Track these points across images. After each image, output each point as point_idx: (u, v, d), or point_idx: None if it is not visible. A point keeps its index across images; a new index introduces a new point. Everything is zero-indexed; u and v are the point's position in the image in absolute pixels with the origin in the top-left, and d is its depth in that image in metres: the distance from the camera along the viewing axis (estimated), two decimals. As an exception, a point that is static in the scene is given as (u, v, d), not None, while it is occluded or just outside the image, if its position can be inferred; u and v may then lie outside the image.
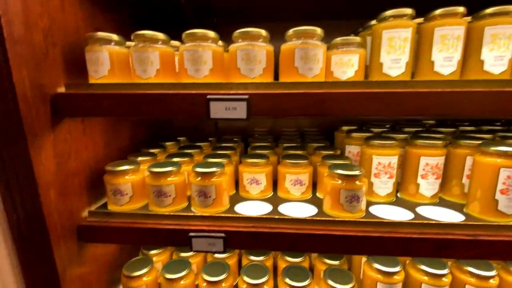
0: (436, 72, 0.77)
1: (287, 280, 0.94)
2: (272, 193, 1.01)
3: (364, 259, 1.00)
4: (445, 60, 0.76)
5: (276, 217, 0.81)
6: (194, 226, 0.81)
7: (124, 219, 0.85)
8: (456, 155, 0.91)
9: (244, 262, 1.10)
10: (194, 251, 0.83)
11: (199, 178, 0.85)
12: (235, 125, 1.57)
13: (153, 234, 0.83)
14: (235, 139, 1.34)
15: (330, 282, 0.92)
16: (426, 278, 0.88)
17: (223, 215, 0.82)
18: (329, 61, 0.83)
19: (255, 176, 0.96)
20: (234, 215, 0.83)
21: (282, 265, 1.08)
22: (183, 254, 1.11)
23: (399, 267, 0.89)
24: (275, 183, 1.02)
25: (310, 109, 0.68)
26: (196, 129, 1.56)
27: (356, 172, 0.80)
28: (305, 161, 0.95)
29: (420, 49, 0.79)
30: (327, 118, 1.51)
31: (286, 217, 0.81)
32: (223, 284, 0.95)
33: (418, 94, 0.66)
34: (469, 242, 0.73)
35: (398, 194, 0.98)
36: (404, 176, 0.94)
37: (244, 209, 0.88)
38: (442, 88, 0.66)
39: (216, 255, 1.10)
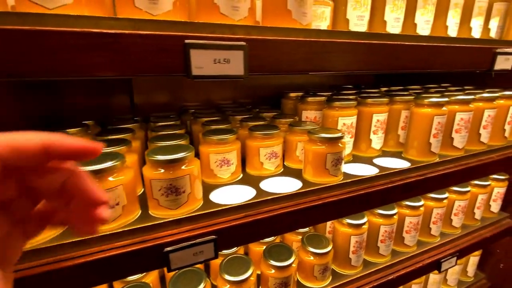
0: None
1: (272, 262, 0.85)
2: (242, 173, 0.86)
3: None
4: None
5: (274, 197, 0.68)
6: (170, 237, 0.57)
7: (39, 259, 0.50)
8: (394, 110, 1.04)
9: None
10: (174, 270, 0.60)
11: (163, 170, 0.59)
12: (157, 99, 1.24)
13: (97, 269, 0.53)
14: (171, 116, 1.05)
15: (311, 249, 0.91)
16: (381, 220, 1.01)
17: (211, 210, 0.62)
18: (303, 13, 0.72)
19: (226, 156, 0.78)
20: (226, 206, 0.64)
21: (255, 248, 0.98)
22: (132, 278, 0.81)
23: (365, 218, 0.97)
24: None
25: (315, 61, 0.57)
26: (105, 109, 1.13)
27: (339, 135, 0.78)
28: (277, 131, 0.84)
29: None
30: (261, 88, 1.43)
31: (278, 195, 0.70)
32: (202, 294, 0.77)
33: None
34: (422, 181, 0.87)
35: (353, 152, 1.05)
36: (359, 134, 1.01)
37: (223, 197, 0.70)
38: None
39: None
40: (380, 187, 0.81)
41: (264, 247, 0.92)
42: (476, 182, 1.22)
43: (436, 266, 1.10)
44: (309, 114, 1.04)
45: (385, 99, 0.98)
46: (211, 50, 0.47)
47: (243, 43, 0.49)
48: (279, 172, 0.88)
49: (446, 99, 0.92)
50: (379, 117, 0.97)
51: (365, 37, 0.66)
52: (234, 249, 1.00)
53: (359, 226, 0.95)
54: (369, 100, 0.97)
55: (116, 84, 1.14)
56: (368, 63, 0.64)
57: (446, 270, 1.19)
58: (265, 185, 0.78)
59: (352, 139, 0.96)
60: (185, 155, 0.61)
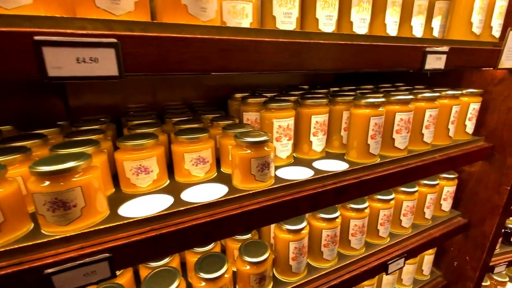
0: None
1: (201, 275, 0.80)
2: (169, 180, 0.81)
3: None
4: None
5: (181, 208, 0.63)
6: (52, 258, 0.51)
7: None
8: (335, 111, 1.02)
9: (144, 272, 0.87)
10: (61, 293, 0.54)
11: (48, 182, 0.53)
12: (99, 102, 1.16)
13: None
14: (102, 119, 0.98)
15: (247, 259, 0.87)
16: (324, 224, 0.98)
17: (100, 227, 0.56)
18: (220, 10, 0.68)
19: (143, 162, 0.72)
20: (119, 223, 0.58)
21: (191, 259, 0.93)
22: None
23: (305, 222, 0.94)
24: (169, 167, 0.82)
25: (213, 60, 0.52)
26: (35, 113, 1.04)
27: (264, 138, 0.74)
28: (205, 134, 0.80)
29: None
30: (216, 88, 1.38)
31: (194, 205, 0.65)
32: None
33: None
34: (357, 184, 0.85)
35: (294, 154, 1.01)
36: (299, 136, 0.98)
37: (134, 209, 0.65)
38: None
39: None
40: (311, 191, 0.77)
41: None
42: (425, 181, 1.22)
43: (383, 268, 1.09)
44: (250, 116, 1.00)
45: (324, 100, 0.95)
46: (72, 48, 0.41)
47: (113, 40, 0.43)
48: (211, 178, 0.83)
49: (382, 99, 0.90)
50: (318, 119, 0.94)
51: (279, 35, 0.62)
52: (211, 245, 0.99)
53: (297, 231, 0.91)
54: (308, 102, 0.94)
55: (48, 87, 1.06)
56: (276, 63, 0.60)
57: (394, 271, 1.18)
58: (187, 193, 0.73)
59: (291, 142, 0.92)
60: (75, 164, 0.55)
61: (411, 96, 0.96)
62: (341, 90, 1.26)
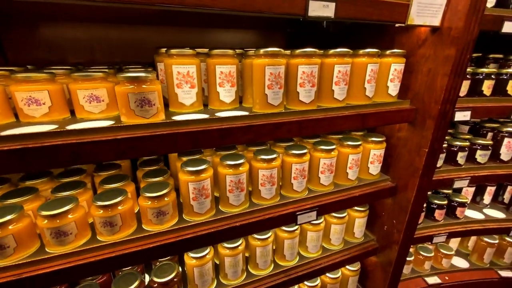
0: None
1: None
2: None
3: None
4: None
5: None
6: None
7: None
8: (246, 64, 1.05)
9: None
10: None
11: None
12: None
13: None
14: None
15: (147, 194, 0.95)
16: (230, 170, 1.04)
17: None
18: None
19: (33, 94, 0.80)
20: None
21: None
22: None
23: (205, 165, 1.01)
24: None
25: None
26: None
27: (142, 74, 0.79)
28: (100, 74, 0.86)
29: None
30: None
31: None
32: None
33: None
34: (244, 128, 0.90)
35: (209, 106, 1.06)
36: (208, 86, 1.03)
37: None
38: None
39: None
40: (191, 130, 0.83)
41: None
42: (348, 142, 1.25)
43: (292, 218, 1.15)
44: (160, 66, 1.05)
45: (231, 51, 0.99)
46: None
47: None
48: (104, 116, 0.90)
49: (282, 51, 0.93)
50: (222, 69, 0.98)
51: None
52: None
53: (198, 172, 0.98)
54: (214, 51, 0.98)
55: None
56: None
57: (305, 223, 1.24)
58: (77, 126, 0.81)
59: (194, 89, 0.97)
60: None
61: (314, 50, 0.98)
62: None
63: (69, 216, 0.86)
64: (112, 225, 0.90)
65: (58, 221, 0.84)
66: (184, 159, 1.09)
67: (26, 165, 0.68)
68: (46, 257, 0.84)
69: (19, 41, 1.23)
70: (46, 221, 0.83)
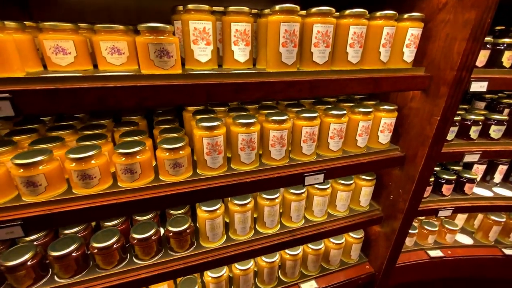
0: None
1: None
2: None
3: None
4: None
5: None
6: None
7: None
8: (261, 23, 1.06)
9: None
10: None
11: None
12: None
13: None
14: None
15: (164, 146, 1.01)
16: (243, 129, 1.08)
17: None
18: None
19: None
20: None
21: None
22: None
23: (219, 121, 1.05)
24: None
25: None
26: None
27: (160, 25, 0.83)
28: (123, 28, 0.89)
29: None
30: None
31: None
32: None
33: None
34: (257, 84, 0.93)
35: (223, 65, 1.09)
36: (223, 45, 1.05)
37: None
38: None
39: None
40: (208, 82, 0.87)
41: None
42: (360, 109, 1.26)
43: (300, 179, 1.19)
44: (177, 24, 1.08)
45: (246, 9, 1.00)
46: None
47: None
48: (125, 68, 0.94)
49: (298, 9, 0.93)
50: (237, 27, 1.00)
51: None
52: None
53: (212, 128, 1.03)
54: (230, 8, 0.99)
55: None
56: None
57: (312, 185, 1.28)
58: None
59: (209, 47, 0.99)
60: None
61: (330, 8, 0.98)
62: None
63: (93, 161, 0.93)
64: (132, 172, 0.97)
65: (83, 164, 0.91)
66: (199, 117, 1.13)
67: (57, 105, 0.74)
68: (73, 196, 0.92)
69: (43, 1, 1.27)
70: (74, 164, 0.91)
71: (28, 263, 1.01)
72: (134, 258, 1.18)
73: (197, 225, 1.30)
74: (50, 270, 1.11)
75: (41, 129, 1.14)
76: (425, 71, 1.21)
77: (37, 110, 0.74)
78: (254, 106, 1.34)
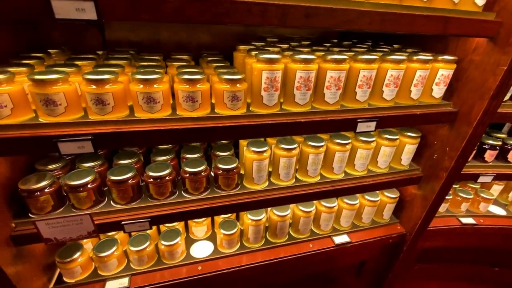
0: None
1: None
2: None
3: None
4: None
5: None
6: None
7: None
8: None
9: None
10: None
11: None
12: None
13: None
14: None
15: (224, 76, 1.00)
16: (301, 65, 1.06)
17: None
18: None
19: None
20: None
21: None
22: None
23: (280, 55, 1.02)
24: None
25: None
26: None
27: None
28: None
29: None
30: None
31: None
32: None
33: None
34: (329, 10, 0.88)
35: None
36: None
37: None
38: None
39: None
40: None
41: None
42: (419, 57, 1.20)
43: (353, 125, 1.18)
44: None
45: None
46: None
47: None
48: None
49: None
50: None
51: None
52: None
53: (272, 61, 1.01)
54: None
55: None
56: None
57: (364, 132, 1.26)
58: None
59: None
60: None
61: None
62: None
63: (155, 85, 0.94)
64: (194, 100, 0.97)
65: (148, 87, 0.92)
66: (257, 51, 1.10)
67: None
68: (140, 118, 0.94)
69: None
70: (141, 85, 0.92)
71: (89, 185, 1.07)
72: (183, 193, 1.22)
73: (243, 167, 1.32)
74: (106, 198, 1.17)
75: (97, 59, 1.15)
76: (496, 17, 1.13)
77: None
78: (307, 49, 1.30)
